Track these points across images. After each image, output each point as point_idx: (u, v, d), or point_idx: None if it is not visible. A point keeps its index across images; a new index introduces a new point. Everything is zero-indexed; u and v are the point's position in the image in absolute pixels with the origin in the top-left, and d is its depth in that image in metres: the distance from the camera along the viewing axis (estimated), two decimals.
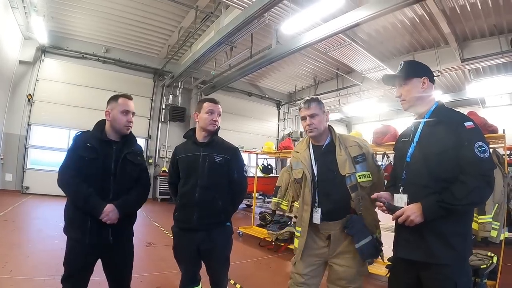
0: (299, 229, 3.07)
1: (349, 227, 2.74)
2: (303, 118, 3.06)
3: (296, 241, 3.14)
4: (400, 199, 2.44)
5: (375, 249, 2.79)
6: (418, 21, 12.18)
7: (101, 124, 3.18)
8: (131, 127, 3.21)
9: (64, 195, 2.97)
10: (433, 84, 2.61)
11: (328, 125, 3.12)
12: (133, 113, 3.21)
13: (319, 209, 2.89)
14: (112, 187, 3.01)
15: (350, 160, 2.87)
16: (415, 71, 2.59)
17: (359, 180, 2.84)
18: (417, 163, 2.43)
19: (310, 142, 3.14)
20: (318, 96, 3.25)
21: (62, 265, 2.92)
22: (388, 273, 2.75)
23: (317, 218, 2.89)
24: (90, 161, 2.94)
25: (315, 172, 3.00)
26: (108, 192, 2.98)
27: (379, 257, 2.93)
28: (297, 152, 3.22)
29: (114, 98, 3.16)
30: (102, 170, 2.98)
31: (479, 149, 2.18)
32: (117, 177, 3.04)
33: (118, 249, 3.06)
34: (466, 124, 2.27)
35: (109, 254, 3.02)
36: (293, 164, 3.23)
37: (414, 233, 2.32)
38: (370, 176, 2.91)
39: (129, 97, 3.21)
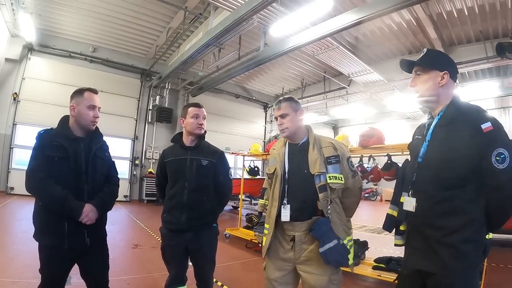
0: (267, 226, 3.01)
1: (315, 229, 2.63)
2: (276, 119, 3.05)
3: (264, 238, 3.09)
4: (409, 202, 2.33)
5: (340, 255, 2.61)
6: (406, 26, 12.32)
7: (65, 120, 3.00)
8: (97, 122, 3.05)
9: None
10: (455, 81, 2.36)
11: (306, 125, 3.08)
12: (99, 108, 3.04)
13: (288, 206, 2.81)
14: (86, 186, 2.88)
15: (321, 160, 2.79)
16: (437, 62, 2.34)
17: (329, 181, 2.72)
18: (428, 166, 2.27)
19: (287, 141, 3.10)
20: (291, 96, 3.15)
21: (38, 272, 2.78)
22: (396, 279, 2.69)
23: (286, 215, 2.79)
24: (60, 161, 2.77)
25: (287, 169, 2.95)
26: (82, 192, 2.84)
27: (347, 264, 2.74)
28: (274, 149, 3.19)
29: (79, 92, 2.98)
30: (73, 169, 2.82)
31: (497, 158, 1.97)
32: (89, 176, 2.91)
33: (95, 251, 2.96)
34: (483, 126, 2.02)
35: (87, 257, 2.91)
36: (270, 160, 3.18)
37: (424, 243, 2.22)
38: (342, 179, 2.79)
39: (94, 91, 3.05)
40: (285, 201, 2.85)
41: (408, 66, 2.49)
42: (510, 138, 2.06)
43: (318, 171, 2.75)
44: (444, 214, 2.13)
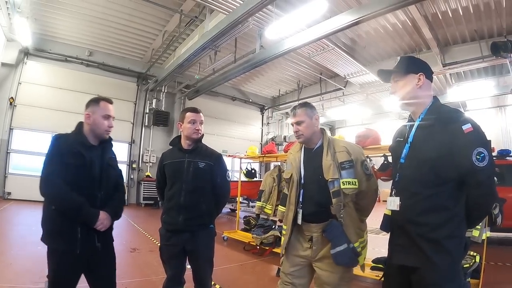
0: (285, 227, 3.14)
1: (327, 231, 2.76)
2: (292, 125, 3.13)
3: (282, 238, 3.22)
4: (393, 201, 2.40)
5: (349, 258, 2.75)
6: (401, 27, 12.32)
7: (80, 127, 3.06)
8: (110, 131, 3.15)
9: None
10: (431, 81, 2.49)
11: (321, 128, 3.16)
12: (113, 118, 3.15)
13: (301, 210, 2.95)
14: (99, 194, 2.95)
15: (335, 166, 2.86)
16: (411, 66, 2.47)
17: (342, 186, 2.81)
18: (411, 166, 2.36)
19: (303, 145, 3.19)
20: (306, 101, 3.25)
21: (46, 278, 2.77)
22: (382, 277, 2.73)
23: (300, 218, 2.95)
24: (77, 168, 2.81)
25: (302, 175, 3.05)
26: (95, 200, 2.90)
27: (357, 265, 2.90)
28: (291, 153, 3.30)
29: (95, 101, 3.06)
30: (88, 177, 2.88)
31: (477, 157, 2.07)
32: (103, 184, 2.99)
33: (104, 255, 3.01)
34: (464, 127, 2.14)
35: (96, 261, 2.93)
36: (287, 164, 3.31)
37: (408, 239, 2.29)
38: (356, 183, 2.87)
39: (110, 101, 3.14)
40: (300, 205, 2.99)
41: (385, 76, 2.63)
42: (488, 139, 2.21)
43: (331, 177, 2.85)
44: (427, 211, 2.23)
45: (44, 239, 2.79)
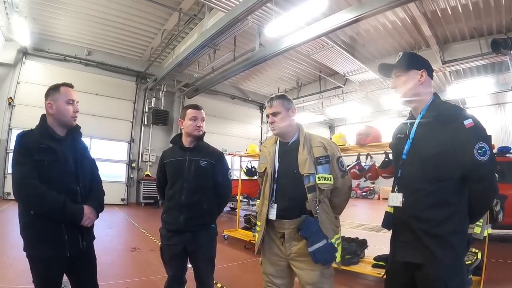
0: (259, 223, 3.06)
1: (303, 229, 2.67)
2: (267, 116, 3.08)
3: (256, 235, 3.15)
4: (395, 198, 2.39)
5: (329, 254, 2.68)
6: (400, 24, 12.33)
7: (44, 119, 2.82)
8: (77, 118, 2.89)
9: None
10: (432, 79, 2.50)
11: (297, 123, 3.10)
12: (77, 102, 2.88)
13: (275, 205, 2.88)
14: (78, 188, 2.77)
15: (311, 160, 2.82)
16: (414, 62, 2.47)
17: (318, 181, 2.76)
18: (413, 163, 2.36)
19: (278, 139, 3.13)
20: (284, 93, 3.19)
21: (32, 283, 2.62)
22: (384, 274, 2.70)
23: (272, 214, 2.87)
24: (51, 164, 2.62)
25: (276, 169, 2.99)
26: (75, 194, 2.73)
27: (334, 262, 2.80)
28: (265, 147, 3.22)
29: (55, 88, 2.81)
30: (64, 171, 2.70)
31: (479, 151, 2.10)
32: (80, 176, 2.81)
33: (87, 254, 2.88)
34: (465, 122, 2.16)
35: (80, 261, 2.80)
36: (260, 157, 3.22)
37: (412, 235, 2.28)
38: (331, 179, 2.83)
39: (70, 85, 2.89)
40: (273, 200, 2.91)
41: (386, 70, 2.64)
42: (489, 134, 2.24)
43: (307, 172, 2.79)
44: (430, 207, 2.23)
45: (27, 248, 2.63)
